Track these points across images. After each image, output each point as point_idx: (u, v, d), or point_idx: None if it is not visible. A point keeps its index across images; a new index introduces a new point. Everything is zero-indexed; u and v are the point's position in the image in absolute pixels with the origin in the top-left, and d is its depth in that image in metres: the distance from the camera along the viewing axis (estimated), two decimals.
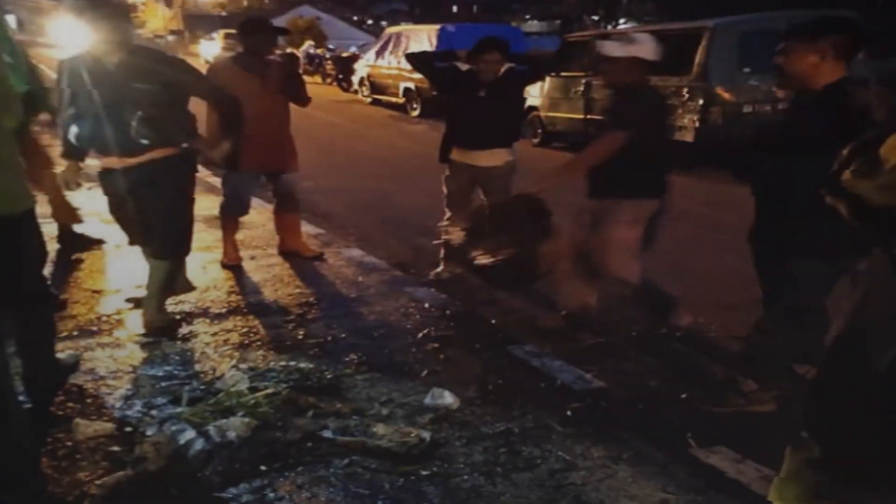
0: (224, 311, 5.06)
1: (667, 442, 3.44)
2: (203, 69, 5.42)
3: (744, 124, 10.01)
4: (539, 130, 13.97)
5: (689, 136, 10.58)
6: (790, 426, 2.46)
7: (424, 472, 3.18)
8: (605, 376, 4.20)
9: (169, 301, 4.85)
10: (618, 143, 4.27)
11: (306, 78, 6.79)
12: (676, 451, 3.38)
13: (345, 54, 27.48)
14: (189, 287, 5.15)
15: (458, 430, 3.54)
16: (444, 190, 5.85)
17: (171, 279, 4.61)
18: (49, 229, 6.43)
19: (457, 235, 5.19)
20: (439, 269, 5.96)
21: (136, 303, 4.86)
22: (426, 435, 3.40)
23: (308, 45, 30.45)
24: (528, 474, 3.20)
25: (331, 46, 31.77)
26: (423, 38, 19.10)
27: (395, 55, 20.17)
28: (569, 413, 3.71)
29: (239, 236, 6.37)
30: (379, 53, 21.45)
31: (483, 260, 4.56)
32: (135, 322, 4.71)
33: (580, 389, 4.02)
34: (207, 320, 4.87)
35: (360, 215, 8.41)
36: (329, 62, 28.33)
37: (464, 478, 3.15)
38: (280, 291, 5.51)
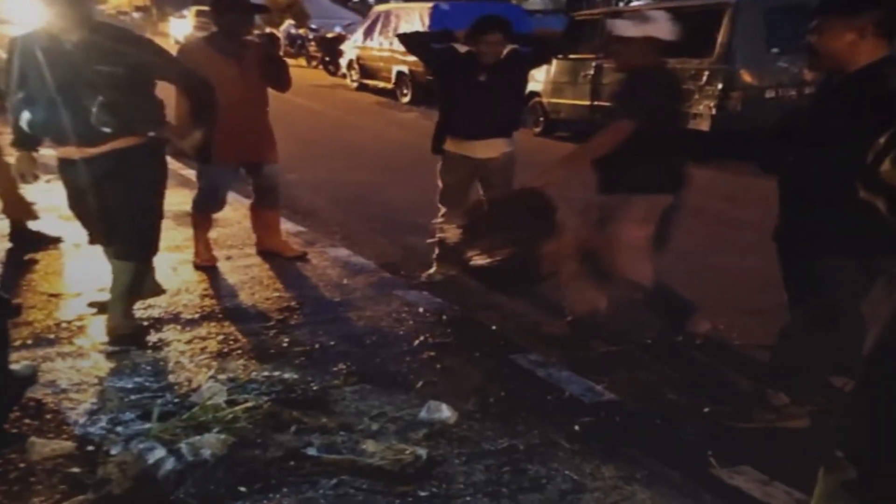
0: (197, 316, 5.03)
1: (684, 461, 3.42)
2: (173, 50, 5.38)
3: (765, 111, 9.94)
4: (541, 119, 13.90)
5: (704, 125, 10.52)
6: (824, 444, 2.43)
7: (422, 493, 3.15)
8: (617, 388, 4.18)
9: (136, 306, 4.81)
10: (626, 132, 4.23)
11: (289, 61, 6.74)
12: (696, 471, 3.36)
13: (329, 35, 27.41)
14: (158, 290, 5.12)
15: (458, 446, 3.52)
16: (439, 184, 5.82)
17: (137, 282, 4.57)
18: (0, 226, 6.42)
19: (452, 233, 5.17)
20: (432, 270, 5.94)
21: (100, 307, 4.82)
22: (422, 452, 3.37)
23: (289, 25, 30.35)
24: (536, 495, 3.17)
25: (313, 26, 31.70)
26: (414, 17, 19.05)
27: (386, 36, 20.11)
28: (577, 428, 3.69)
29: (212, 234, 6.33)
30: (367, 34, 21.40)
31: (480, 260, 4.53)
32: (98, 329, 4.67)
33: (590, 402, 4.00)
34: (179, 327, 4.84)
35: (345, 211, 8.38)
36: (312, 43, 28.28)
37: (465, 499, 3.13)
38: (259, 295, 5.48)
